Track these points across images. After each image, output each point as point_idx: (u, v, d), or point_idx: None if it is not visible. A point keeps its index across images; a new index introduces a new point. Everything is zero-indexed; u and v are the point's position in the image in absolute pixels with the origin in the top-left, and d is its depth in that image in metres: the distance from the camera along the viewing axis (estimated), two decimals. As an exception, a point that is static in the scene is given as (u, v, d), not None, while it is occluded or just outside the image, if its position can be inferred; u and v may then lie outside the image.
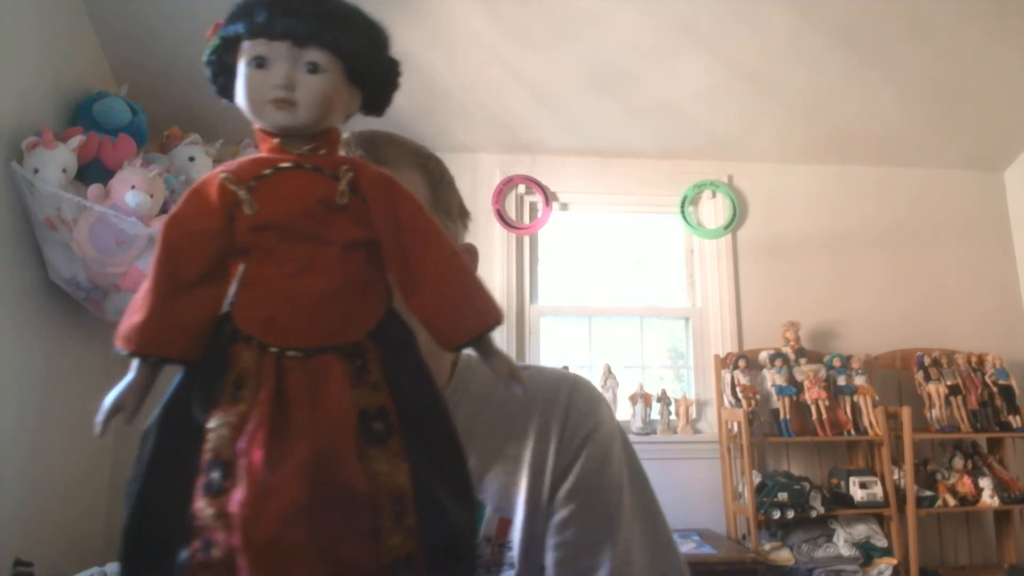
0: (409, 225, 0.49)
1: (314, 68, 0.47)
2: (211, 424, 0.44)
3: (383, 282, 0.50)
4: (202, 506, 0.42)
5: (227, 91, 0.51)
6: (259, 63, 0.47)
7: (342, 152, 0.78)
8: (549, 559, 0.73)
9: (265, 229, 0.47)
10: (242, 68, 0.48)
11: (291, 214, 0.47)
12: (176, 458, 0.44)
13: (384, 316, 0.49)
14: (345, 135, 0.78)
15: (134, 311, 0.47)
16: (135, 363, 0.47)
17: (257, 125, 0.49)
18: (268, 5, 0.47)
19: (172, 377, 0.48)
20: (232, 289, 0.48)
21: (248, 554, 0.41)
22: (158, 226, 2.07)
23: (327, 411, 0.44)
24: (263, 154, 0.50)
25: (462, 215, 0.85)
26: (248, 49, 0.48)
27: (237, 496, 0.41)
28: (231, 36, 0.49)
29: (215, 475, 0.43)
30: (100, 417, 0.47)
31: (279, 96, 0.47)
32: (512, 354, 2.90)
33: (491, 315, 0.49)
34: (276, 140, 0.49)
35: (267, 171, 0.48)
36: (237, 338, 0.46)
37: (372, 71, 0.51)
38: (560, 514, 0.73)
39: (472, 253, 0.84)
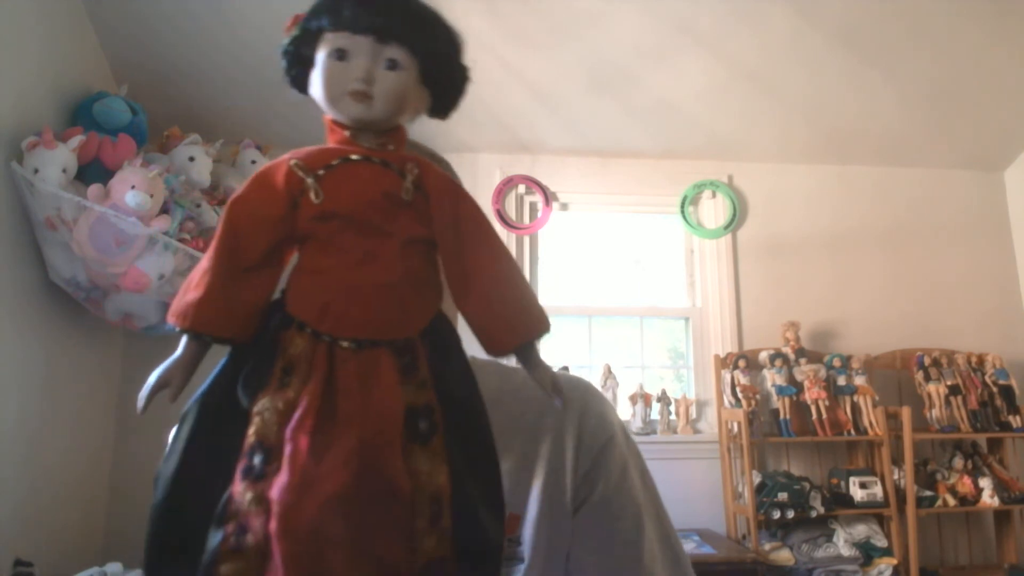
0: (468, 227, 0.49)
1: (393, 65, 0.48)
2: (256, 408, 0.44)
3: (437, 282, 0.50)
4: (241, 489, 0.42)
5: (298, 82, 0.51)
6: (340, 55, 0.48)
7: None
8: (581, 561, 0.75)
9: (329, 218, 0.47)
10: (322, 59, 0.49)
11: (357, 205, 0.47)
12: (214, 440, 0.44)
13: (435, 316, 0.49)
14: None
15: (190, 289, 0.47)
16: (184, 340, 0.48)
17: (329, 116, 0.50)
18: (355, 1, 0.48)
19: (213, 362, 0.48)
20: (285, 276, 0.49)
21: (284, 542, 0.40)
22: (158, 226, 2.07)
23: (376, 404, 0.44)
24: (332, 145, 0.50)
25: None
26: (330, 41, 0.48)
27: (280, 481, 0.41)
28: (313, 28, 0.49)
29: (257, 459, 0.42)
30: (145, 392, 0.47)
31: (358, 88, 0.47)
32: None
33: (540, 324, 0.49)
34: (347, 132, 0.49)
35: (336, 161, 0.49)
36: (288, 325, 0.46)
37: (445, 75, 0.51)
38: (589, 519, 0.75)
39: None
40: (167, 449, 0.45)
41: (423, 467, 0.44)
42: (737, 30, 2.63)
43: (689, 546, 2.55)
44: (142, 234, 2.05)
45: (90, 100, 2.29)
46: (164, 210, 2.14)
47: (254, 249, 0.48)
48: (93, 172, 2.11)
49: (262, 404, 0.44)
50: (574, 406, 0.79)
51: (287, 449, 0.42)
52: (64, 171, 2.02)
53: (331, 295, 0.46)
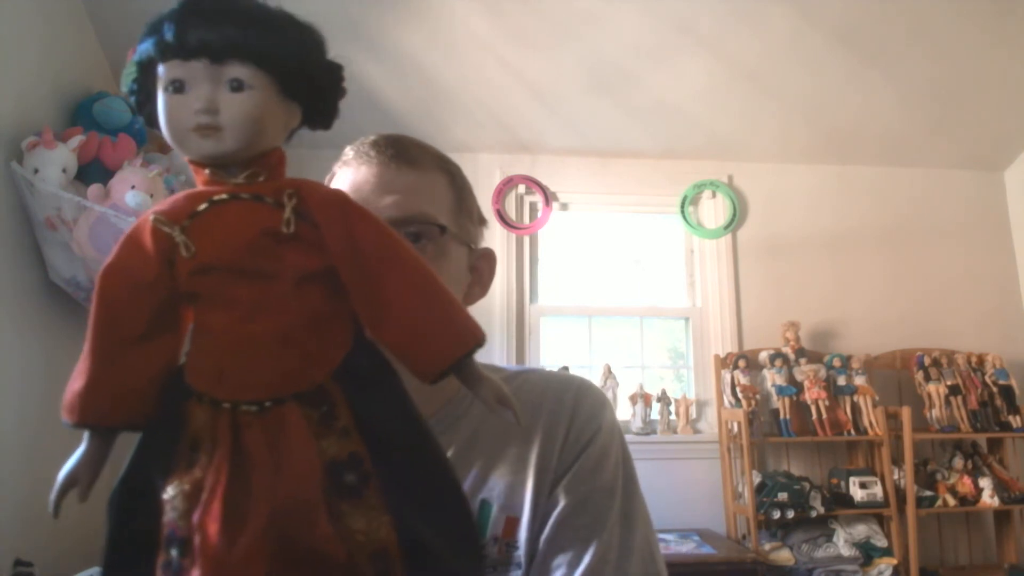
0: (368, 247, 0.44)
1: (238, 86, 0.42)
2: (167, 495, 0.40)
3: (347, 312, 0.45)
4: None
5: (154, 119, 0.45)
6: (177, 87, 0.42)
7: (350, 153, 0.77)
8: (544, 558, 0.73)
9: (207, 271, 0.42)
10: (160, 95, 0.43)
11: (232, 252, 0.42)
12: (139, 531, 0.41)
13: (351, 348, 0.44)
14: (372, 136, 0.78)
15: (76, 376, 0.43)
16: (86, 434, 0.44)
17: (186, 156, 0.45)
18: (176, 19, 0.42)
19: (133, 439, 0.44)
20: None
21: None
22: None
23: (289, 469, 0.39)
24: (199, 186, 0.45)
25: (480, 222, 0.87)
26: (164, 73, 0.43)
27: None
28: (145, 59, 0.43)
29: (173, 552, 0.39)
30: (53, 495, 0.43)
31: (201, 122, 0.42)
32: (512, 355, 2.90)
33: (469, 337, 0.44)
34: (206, 171, 0.44)
35: (202, 206, 0.43)
36: (189, 394, 0.42)
37: (308, 81, 0.45)
38: (551, 509, 0.74)
39: (489, 259, 0.86)
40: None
41: (359, 525, 0.39)
42: (737, 30, 2.63)
43: (689, 546, 2.54)
44: (142, 234, 2.05)
45: (90, 100, 2.29)
46: (164, 210, 2.14)
47: (133, 319, 0.43)
48: (93, 172, 2.11)
49: (171, 490, 0.40)
50: (566, 407, 0.78)
51: (196, 539, 0.38)
52: (64, 171, 2.02)
53: (223, 357, 0.42)
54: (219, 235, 0.43)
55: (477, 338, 0.44)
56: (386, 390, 0.44)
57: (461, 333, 0.44)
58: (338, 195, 0.45)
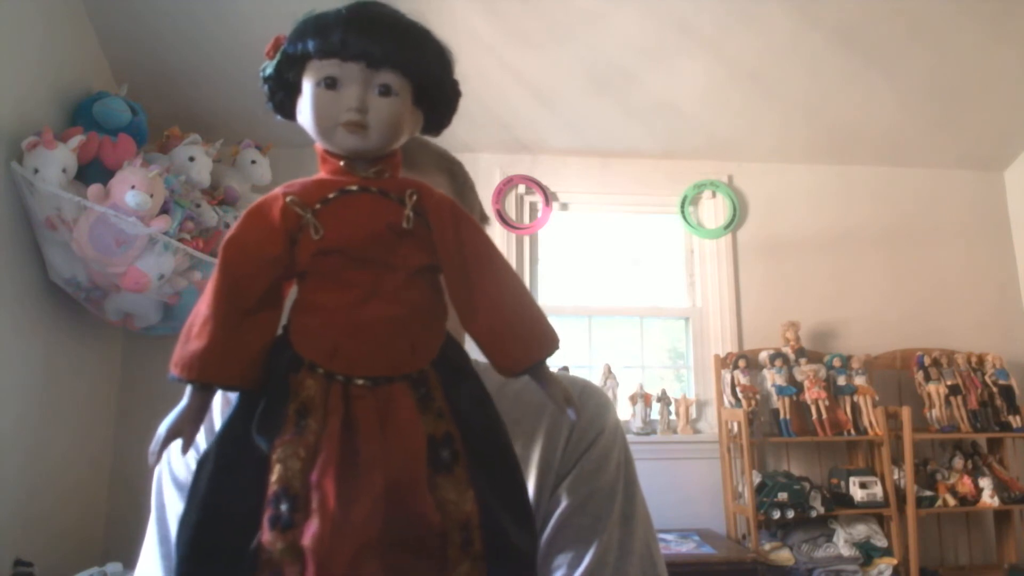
0: (472, 249, 0.49)
1: (386, 91, 0.47)
2: (276, 455, 0.43)
3: (443, 306, 0.50)
4: (271, 539, 0.41)
5: (284, 108, 0.50)
6: (330, 84, 0.46)
7: None
8: (547, 559, 0.73)
9: (330, 254, 0.46)
10: (309, 88, 0.47)
11: (358, 239, 0.47)
12: (235, 487, 0.44)
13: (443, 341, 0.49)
14: None
15: (191, 338, 0.46)
16: (189, 390, 0.47)
17: (320, 146, 0.49)
18: (343, 25, 0.46)
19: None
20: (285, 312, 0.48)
21: None
22: (158, 226, 2.07)
23: (399, 441, 0.44)
24: (326, 176, 0.49)
25: (483, 219, 0.86)
26: (318, 69, 0.47)
27: (311, 530, 0.41)
28: (298, 53, 0.47)
29: (284, 508, 0.42)
30: (155, 447, 0.46)
31: (352, 119, 0.46)
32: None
33: (550, 342, 0.49)
34: (341, 162, 0.48)
35: (333, 194, 0.47)
36: (298, 364, 0.45)
37: (438, 94, 0.50)
38: (553, 508, 0.74)
39: None
40: (187, 499, 0.45)
41: (450, 496, 0.44)
42: (737, 30, 2.63)
43: (689, 546, 2.55)
44: (142, 234, 2.05)
45: (90, 100, 2.29)
46: (164, 210, 2.14)
47: (254, 290, 0.46)
48: (93, 172, 2.11)
49: (282, 451, 0.43)
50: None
51: (315, 497, 0.42)
52: (64, 171, 2.02)
53: (339, 335, 0.45)
54: (347, 222, 0.47)
55: (555, 343, 0.49)
56: (468, 380, 0.49)
57: (542, 338, 0.49)
58: (449, 200, 0.50)
